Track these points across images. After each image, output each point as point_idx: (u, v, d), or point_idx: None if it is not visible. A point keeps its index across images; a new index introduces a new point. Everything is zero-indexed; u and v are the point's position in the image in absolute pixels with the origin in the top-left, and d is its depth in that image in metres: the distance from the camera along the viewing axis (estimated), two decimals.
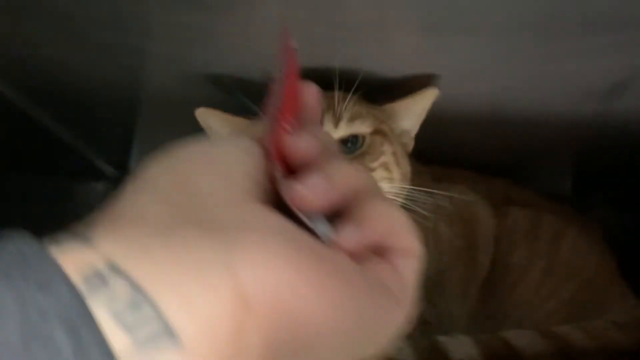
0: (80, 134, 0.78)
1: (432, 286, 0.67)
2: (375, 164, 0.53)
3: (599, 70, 0.53)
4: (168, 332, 0.16)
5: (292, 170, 0.24)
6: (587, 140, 0.70)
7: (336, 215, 0.23)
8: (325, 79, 0.50)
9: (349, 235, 0.22)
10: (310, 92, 0.28)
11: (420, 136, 0.61)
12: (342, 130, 0.53)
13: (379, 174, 0.53)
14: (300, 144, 0.24)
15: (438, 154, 0.72)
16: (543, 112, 0.63)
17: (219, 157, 0.22)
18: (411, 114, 0.59)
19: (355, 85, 0.52)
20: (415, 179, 0.69)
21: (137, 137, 0.80)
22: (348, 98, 0.52)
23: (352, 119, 0.54)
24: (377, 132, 0.55)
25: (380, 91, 0.58)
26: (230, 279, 0.18)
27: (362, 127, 0.54)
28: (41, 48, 0.54)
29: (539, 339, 0.58)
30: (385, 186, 0.54)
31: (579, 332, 0.59)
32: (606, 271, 0.71)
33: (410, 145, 0.60)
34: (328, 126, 0.53)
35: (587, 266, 0.69)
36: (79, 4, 0.45)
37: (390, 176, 0.54)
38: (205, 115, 0.57)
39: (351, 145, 0.54)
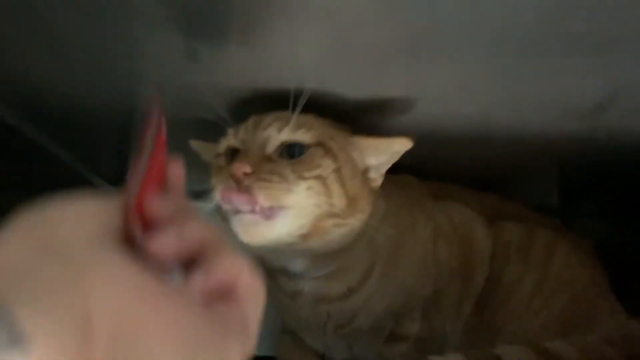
0: (75, 151, 0.78)
1: (428, 304, 0.69)
2: (308, 174, 0.53)
3: (581, 90, 0.54)
4: (19, 339, 0.20)
5: (151, 226, 0.29)
6: (572, 155, 0.72)
7: (192, 262, 0.29)
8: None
9: (196, 279, 0.28)
10: (176, 167, 0.34)
11: (411, 153, 0.62)
12: (284, 135, 0.54)
13: (315, 188, 0.53)
14: (157, 204, 0.29)
15: (428, 170, 0.73)
16: (527, 129, 0.64)
17: (80, 210, 0.27)
18: (379, 154, 0.59)
19: (305, 99, 0.54)
20: (415, 197, 0.71)
21: (132, 153, 0.81)
22: (297, 109, 0.54)
23: (296, 127, 0.55)
24: (320, 144, 0.55)
25: (360, 114, 0.60)
26: (80, 301, 0.23)
27: (305, 137, 0.55)
28: (35, 71, 0.55)
29: (530, 354, 0.58)
30: (323, 202, 0.54)
31: (569, 347, 0.60)
32: (597, 285, 0.72)
33: (378, 181, 0.60)
34: (272, 130, 0.55)
35: (578, 280, 0.70)
36: (72, 27, 0.46)
37: (327, 193, 0.54)
38: (195, 146, 0.65)
39: (299, 152, 0.55)
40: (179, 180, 0.34)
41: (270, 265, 0.64)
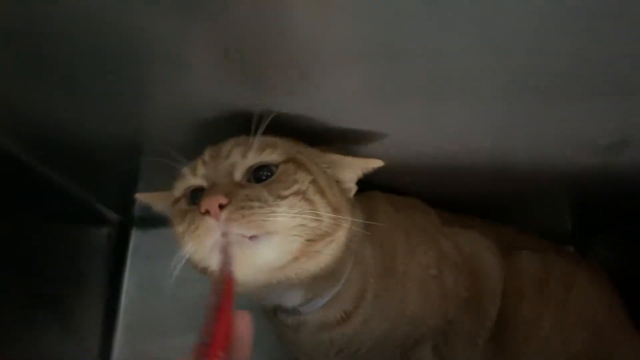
0: (83, 181, 0.78)
1: (438, 338, 0.67)
2: (286, 192, 0.50)
3: (598, 129, 0.54)
4: None
5: None
6: (586, 186, 0.71)
7: None
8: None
9: None
10: (243, 323, 0.34)
11: (428, 183, 0.62)
12: (251, 160, 0.51)
13: (298, 204, 0.50)
14: None
15: (443, 200, 0.73)
16: (543, 164, 0.64)
17: None
18: (352, 171, 0.58)
19: (268, 120, 0.52)
20: (415, 220, 0.69)
21: (139, 182, 0.81)
22: (260, 130, 0.52)
23: (261, 149, 0.52)
24: (289, 160, 0.52)
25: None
26: None
27: (272, 156, 0.52)
28: (48, 107, 0.56)
29: None
30: (308, 218, 0.50)
31: None
32: (616, 315, 0.70)
33: (352, 191, 0.58)
34: (236, 156, 0.51)
35: (598, 313, 0.69)
36: (87, 69, 0.47)
37: (313, 207, 0.51)
38: (143, 199, 0.62)
39: (267, 175, 0.51)
40: (245, 334, 0.34)
41: (270, 304, 0.62)
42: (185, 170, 0.54)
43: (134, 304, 0.93)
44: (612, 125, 0.53)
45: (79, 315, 0.84)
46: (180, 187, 0.54)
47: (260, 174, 0.51)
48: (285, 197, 0.49)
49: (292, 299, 0.59)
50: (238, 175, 0.51)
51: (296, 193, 0.50)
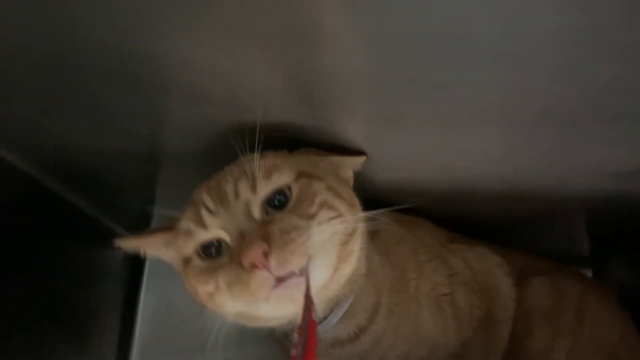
0: (99, 202, 0.80)
1: None
2: (314, 209, 0.48)
3: (622, 156, 0.54)
4: None
5: None
6: (606, 211, 0.70)
7: None
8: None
9: None
10: None
11: (441, 207, 0.62)
12: (263, 191, 0.48)
13: (324, 215, 0.48)
14: None
15: (459, 221, 0.73)
16: (562, 189, 0.64)
17: None
18: (347, 168, 0.57)
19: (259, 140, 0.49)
20: (421, 239, 0.68)
21: (156, 207, 0.83)
22: (256, 157, 0.48)
23: (267, 176, 0.49)
24: (300, 176, 0.50)
25: None
26: None
27: (282, 179, 0.49)
28: (70, 136, 0.57)
29: None
30: (338, 223, 0.49)
31: None
32: (630, 335, 0.69)
33: (351, 180, 0.58)
34: (245, 192, 0.48)
35: (612, 335, 0.68)
36: (106, 93, 0.49)
37: (337, 212, 0.49)
38: (124, 245, 0.57)
39: (281, 199, 0.48)
40: None
41: (284, 328, 0.61)
42: (187, 224, 0.49)
43: (149, 324, 0.93)
44: (633, 151, 0.53)
45: (95, 336, 0.85)
46: (188, 245, 0.50)
47: (274, 200, 0.49)
48: (315, 215, 0.48)
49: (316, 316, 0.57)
50: (256, 212, 0.48)
51: (322, 204, 0.49)
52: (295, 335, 0.38)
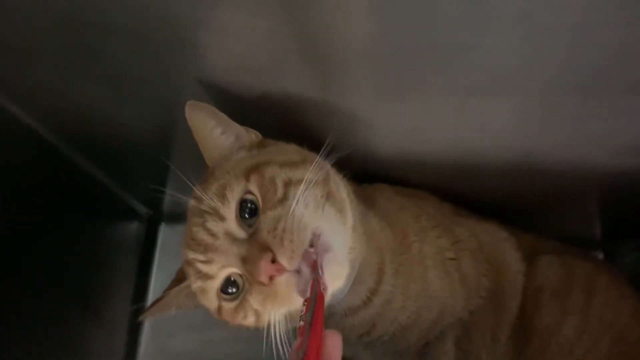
0: (118, 177, 0.81)
1: (460, 332, 0.66)
2: (280, 191, 0.48)
3: (635, 128, 0.53)
4: None
5: None
6: (619, 190, 0.70)
7: None
8: None
9: None
10: (332, 342, 0.35)
11: (452, 184, 0.61)
12: (228, 212, 0.48)
13: (293, 190, 0.48)
14: None
15: (468, 199, 0.73)
16: (576, 164, 0.63)
17: None
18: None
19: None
20: (423, 209, 0.68)
21: (169, 180, 0.83)
22: (205, 184, 0.49)
23: (222, 198, 0.48)
24: (248, 175, 0.49)
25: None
26: None
27: (235, 191, 0.48)
28: (89, 103, 0.58)
29: None
30: (310, 187, 0.48)
31: None
32: (639, 316, 0.68)
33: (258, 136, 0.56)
34: (217, 226, 0.48)
35: (621, 315, 0.67)
36: (128, 64, 0.50)
37: (301, 178, 0.48)
38: (152, 315, 0.58)
39: (250, 206, 0.48)
40: (335, 351, 0.35)
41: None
42: (197, 285, 0.50)
43: None
44: None
45: (108, 310, 0.86)
46: (211, 299, 0.50)
47: (245, 211, 0.48)
48: (285, 194, 0.48)
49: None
50: (239, 232, 0.48)
51: (285, 183, 0.49)
52: (302, 308, 0.39)
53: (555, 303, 0.67)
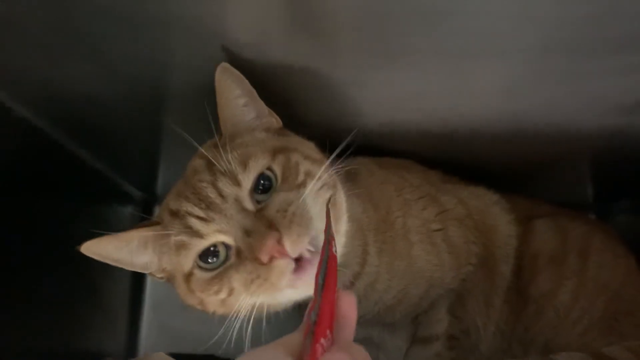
0: (111, 162, 0.81)
1: (453, 299, 0.67)
2: (301, 177, 0.48)
3: (626, 87, 0.53)
4: None
5: None
6: (610, 151, 0.70)
7: None
8: None
9: None
10: (347, 302, 0.34)
11: (445, 149, 0.61)
12: (246, 181, 0.47)
13: (310, 182, 0.48)
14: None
15: (462, 166, 0.73)
16: (567, 126, 0.63)
17: None
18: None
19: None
20: (407, 179, 0.68)
21: (162, 162, 0.83)
22: (224, 148, 0.48)
23: (243, 164, 0.48)
24: (275, 153, 0.49)
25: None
26: None
27: (259, 163, 0.48)
28: (76, 85, 0.57)
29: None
30: (324, 189, 0.49)
31: (627, 352, 0.58)
32: (633, 275, 0.70)
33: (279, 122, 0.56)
34: (230, 190, 0.47)
35: (615, 276, 0.68)
36: (116, 41, 0.49)
37: (316, 171, 0.49)
38: (94, 248, 0.51)
39: (265, 183, 0.48)
40: (350, 313, 0.34)
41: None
42: (179, 238, 0.47)
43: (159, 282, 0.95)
44: (636, 82, 0.52)
45: (109, 292, 0.87)
46: (186, 259, 0.48)
47: (258, 186, 0.48)
48: (304, 183, 0.48)
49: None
50: (248, 204, 0.47)
51: (306, 174, 0.49)
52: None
53: (552, 269, 0.67)
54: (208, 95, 0.59)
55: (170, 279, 0.52)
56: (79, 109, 0.63)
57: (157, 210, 0.97)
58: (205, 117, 0.60)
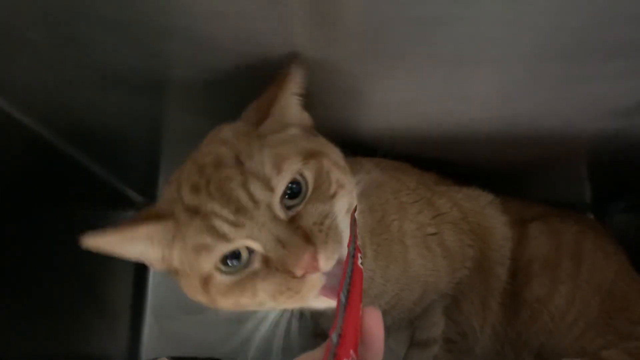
0: (111, 166, 0.81)
1: (448, 302, 0.67)
2: (333, 188, 0.45)
3: (621, 91, 0.54)
4: None
5: None
6: (607, 152, 0.71)
7: None
8: None
9: None
10: (373, 319, 0.32)
11: (442, 154, 0.62)
12: (279, 187, 0.43)
13: (340, 191, 0.46)
14: None
15: (455, 169, 0.73)
16: (563, 129, 0.64)
17: None
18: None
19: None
20: (402, 182, 0.67)
21: (162, 166, 0.84)
22: (257, 141, 0.44)
23: (278, 168, 0.43)
24: (307, 158, 0.45)
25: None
26: None
27: (293, 166, 0.44)
28: (76, 90, 0.58)
29: None
30: (350, 198, 0.47)
31: (626, 356, 0.58)
32: (624, 269, 0.70)
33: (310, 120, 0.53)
34: (262, 195, 0.42)
35: (607, 275, 0.68)
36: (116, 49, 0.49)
37: (345, 180, 0.47)
38: (98, 243, 0.46)
39: (294, 188, 0.44)
40: (376, 331, 0.32)
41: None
42: (203, 238, 0.42)
43: (160, 283, 0.96)
44: (632, 86, 0.53)
45: (110, 297, 0.87)
46: (207, 261, 0.43)
47: (287, 190, 0.44)
48: (336, 194, 0.46)
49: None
50: (280, 212, 0.43)
51: (338, 184, 0.46)
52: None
53: (546, 274, 0.67)
54: (210, 99, 0.60)
55: (174, 274, 0.48)
56: (79, 115, 0.64)
57: None
58: (205, 119, 0.61)
